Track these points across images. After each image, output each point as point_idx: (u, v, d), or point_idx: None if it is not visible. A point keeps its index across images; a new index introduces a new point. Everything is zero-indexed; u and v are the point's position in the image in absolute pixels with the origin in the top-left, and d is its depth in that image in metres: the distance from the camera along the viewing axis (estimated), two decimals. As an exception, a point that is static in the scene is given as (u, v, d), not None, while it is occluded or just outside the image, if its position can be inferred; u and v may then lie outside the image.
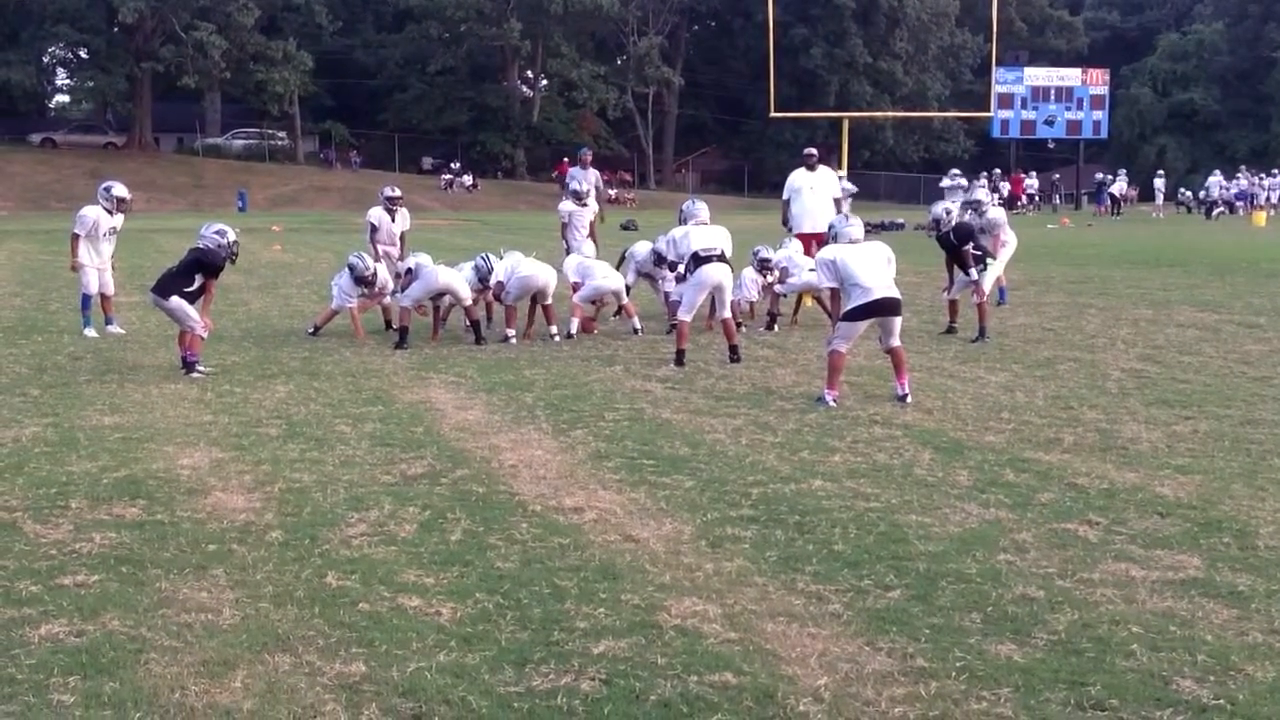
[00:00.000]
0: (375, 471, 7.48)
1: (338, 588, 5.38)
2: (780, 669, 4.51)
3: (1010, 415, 9.06)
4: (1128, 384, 10.33)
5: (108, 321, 13.82)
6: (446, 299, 13.09)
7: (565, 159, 60.92)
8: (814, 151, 17.75)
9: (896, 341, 9.75)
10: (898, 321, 9.74)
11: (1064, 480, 7.15)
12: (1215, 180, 50.80)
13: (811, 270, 13.38)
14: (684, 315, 11.61)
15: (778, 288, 14.14)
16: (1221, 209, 48.13)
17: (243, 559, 5.77)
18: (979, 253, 13.25)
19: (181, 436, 8.47)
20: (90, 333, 13.36)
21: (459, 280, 12.79)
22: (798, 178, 17.37)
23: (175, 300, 10.94)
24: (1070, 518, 6.38)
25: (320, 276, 19.51)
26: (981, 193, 16.47)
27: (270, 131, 63.30)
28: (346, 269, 13.44)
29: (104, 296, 13.80)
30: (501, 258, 13.38)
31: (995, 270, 14.38)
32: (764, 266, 14.04)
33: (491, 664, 4.56)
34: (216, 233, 11.22)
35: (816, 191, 17.13)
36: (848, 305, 9.65)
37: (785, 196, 17.59)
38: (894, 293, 9.67)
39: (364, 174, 57.22)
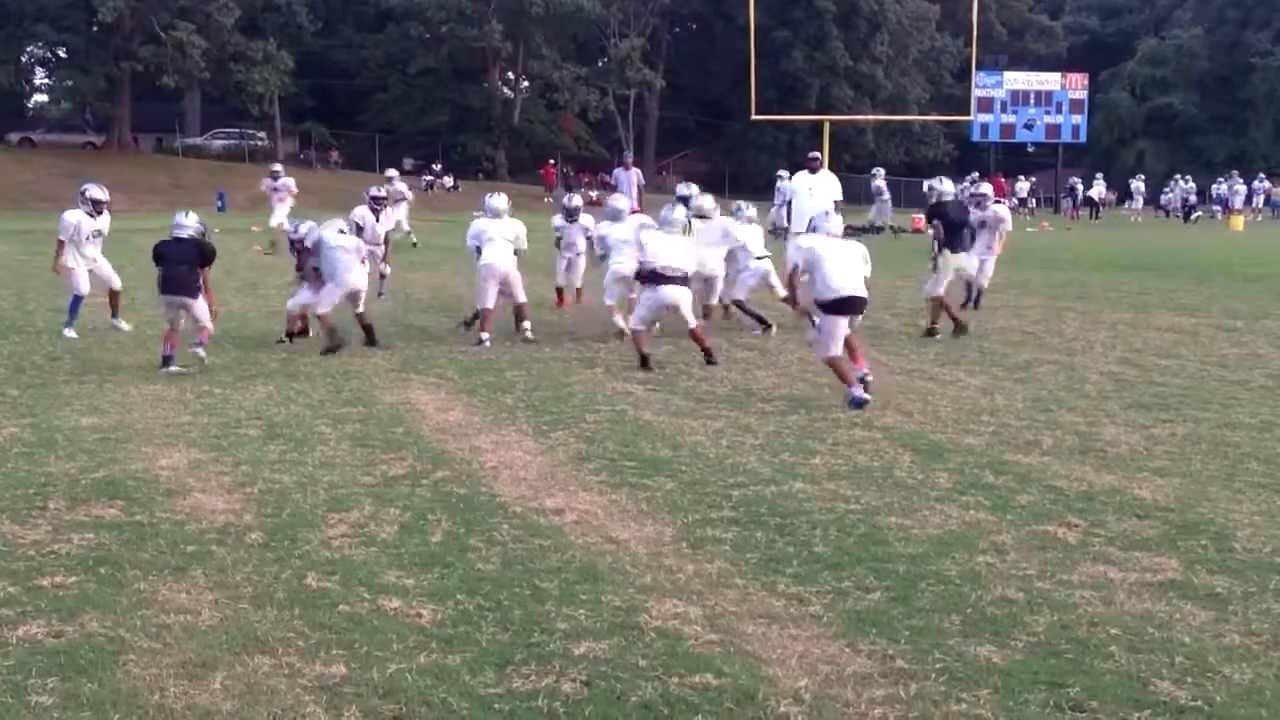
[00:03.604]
0: (355, 473, 7.47)
1: (318, 589, 5.37)
2: (761, 670, 4.52)
3: (990, 418, 9.10)
4: (1106, 387, 10.38)
5: (114, 315, 13.92)
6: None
7: (551, 161, 61.00)
8: (818, 155, 18.54)
9: (849, 331, 10.01)
10: (859, 318, 10.21)
11: (1043, 482, 7.18)
12: (1181, 185, 51.25)
13: (758, 259, 13.50)
14: (636, 325, 11.65)
15: (735, 293, 14.00)
16: (1199, 213, 48.41)
17: (222, 560, 5.76)
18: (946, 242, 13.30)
19: (160, 437, 8.43)
20: (70, 333, 13.30)
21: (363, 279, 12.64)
22: (800, 180, 17.87)
23: (201, 298, 11.37)
24: (1049, 520, 6.41)
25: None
26: (987, 186, 16.68)
27: (250, 132, 62.99)
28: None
29: (112, 292, 13.93)
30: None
31: (989, 270, 14.63)
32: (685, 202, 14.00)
33: (472, 665, 4.55)
34: (198, 221, 11.62)
35: (816, 194, 17.51)
36: (817, 297, 9.82)
37: (787, 197, 18.10)
38: (863, 292, 9.90)
39: (344, 175, 56.98)
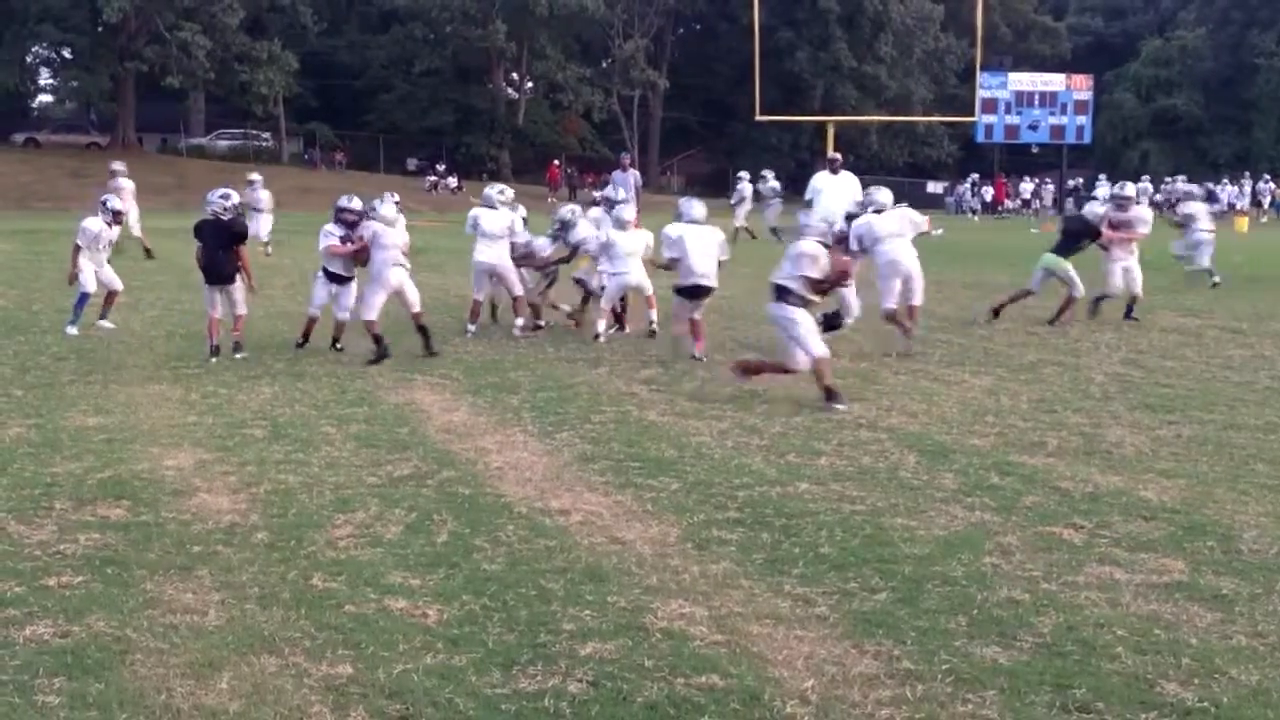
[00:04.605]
0: (361, 473, 7.47)
1: (324, 589, 5.37)
2: (767, 671, 4.52)
3: (995, 419, 9.09)
4: (1111, 388, 10.37)
5: (102, 316, 14.09)
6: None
7: (555, 162, 60.98)
8: (838, 156, 19.05)
9: (699, 316, 11.98)
10: (706, 302, 12.01)
11: (1048, 484, 7.18)
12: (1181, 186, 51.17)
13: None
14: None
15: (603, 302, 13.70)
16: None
17: (228, 560, 5.77)
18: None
19: (166, 437, 8.44)
20: (72, 330, 13.46)
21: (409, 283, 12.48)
22: (820, 180, 18.16)
23: (238, 280, 11.80)
24: (1055, 521, 6.41)
25: (305, 278, 19.43)
26: (1132, 188, 16.57)
27: (254, 132, 63.06)
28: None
29: (111, 292, 14.22)
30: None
31: (1137, 275, 14.90)
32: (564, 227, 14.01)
33: (478, 666, 4.56)
34: (221, 196, 11.96)
35: (835, 194, 17.76)
36: (678, 282, 11.82)
37: (807, 197, 18.39)
38: (713, 282, 11.84)
39: (349, 175, 57.03)
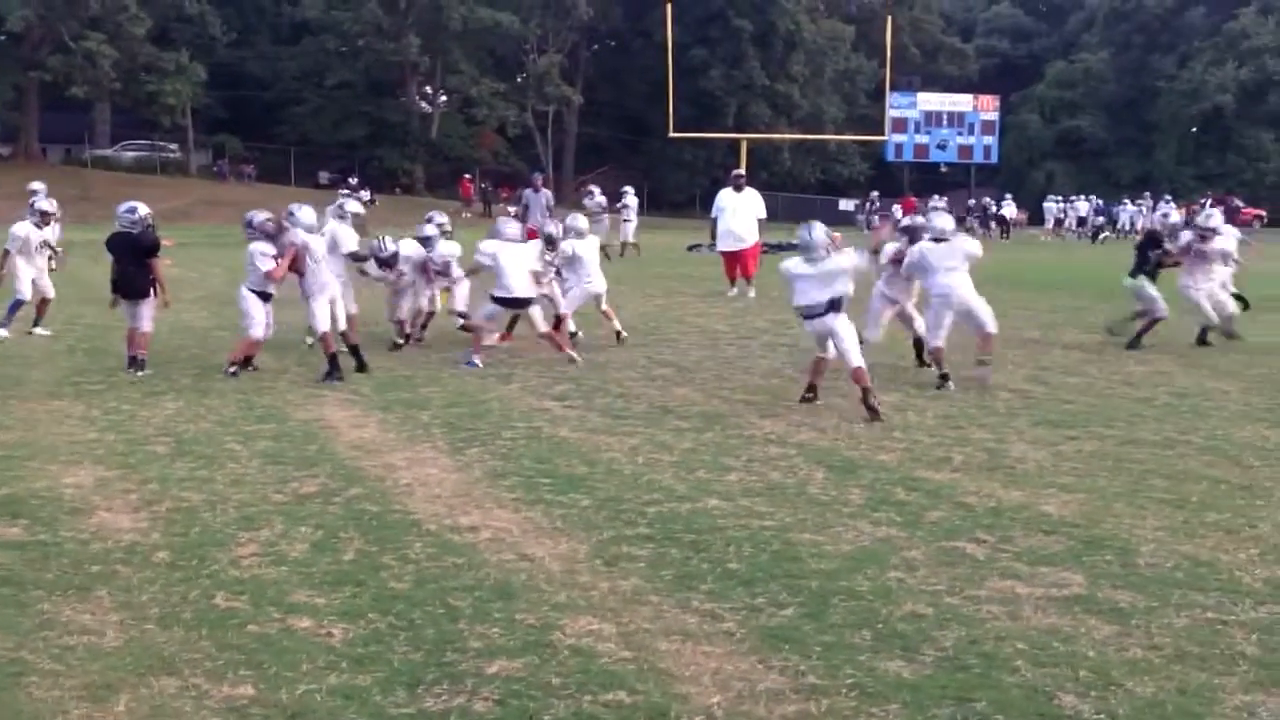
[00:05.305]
0: (266, 490, 7.38)
1: (226, 609, 5.30)
2: (674, 688, 4.53)
3: (902, 434, 9.21)
4: (1015, 404, 10.55)
5: (36, 323, 14.36)
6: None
7: (468, 176, 60.75)
8: (742, 173, 19.04)
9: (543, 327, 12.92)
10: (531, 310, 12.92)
11: (953, 499, 7.28)
12: (1086, 206, 52.45)
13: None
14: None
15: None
16: (1107, 233, 49.40)
17: (128, 580, 5.66)
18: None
19: (65, 454, 8.27)
20: (3, 333, 13.70)
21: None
22: (724, 198, 18.28)
23: (148, 298, 11.71)
24: (958, 536, 6.50)
25: (213, 291, 19.19)
26: (1218, 218, 15.66)
27: (161, 144, 62.08)
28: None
29: (44, 300, 14.49)
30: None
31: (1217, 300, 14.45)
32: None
33: (383, 685, 4.52)
34: (128, 211, 11.82)
35: (739, 212, 17.91)
36: (494, 293, 12.59)
37: (713, 215, 18.48)
38: (528, 295, 12.66)
39: (259, 188, 56.32)
